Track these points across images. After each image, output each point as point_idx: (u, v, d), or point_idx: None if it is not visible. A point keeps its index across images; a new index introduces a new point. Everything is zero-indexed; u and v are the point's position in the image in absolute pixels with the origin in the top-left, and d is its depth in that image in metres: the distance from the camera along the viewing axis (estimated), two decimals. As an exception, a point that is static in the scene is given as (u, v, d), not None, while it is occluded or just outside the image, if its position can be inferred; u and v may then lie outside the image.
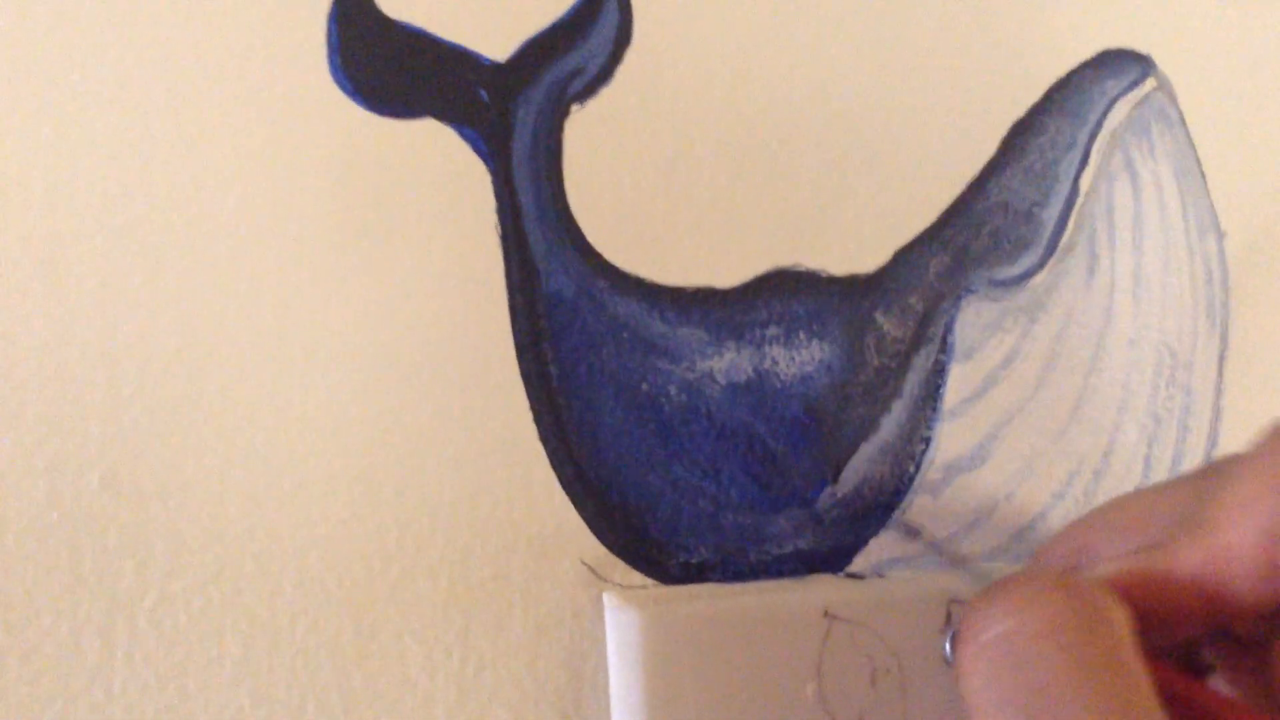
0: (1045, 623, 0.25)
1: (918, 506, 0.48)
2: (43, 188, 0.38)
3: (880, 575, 0.47)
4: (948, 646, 0.45)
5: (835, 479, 0.47)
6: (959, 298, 0.50)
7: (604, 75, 0.46)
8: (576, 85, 0.46)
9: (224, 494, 0.39)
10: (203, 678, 0.38)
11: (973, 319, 0.51)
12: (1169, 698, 0.26)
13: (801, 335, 0.47)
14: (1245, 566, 0.26)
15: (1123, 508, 0.31)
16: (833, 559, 0.47)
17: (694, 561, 0.45)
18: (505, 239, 0.44)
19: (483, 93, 0.44)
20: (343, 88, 0.42)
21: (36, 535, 0.37)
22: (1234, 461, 0.27)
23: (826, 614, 0.44)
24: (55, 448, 0.38)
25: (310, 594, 0.40)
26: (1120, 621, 0.26)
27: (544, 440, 0.43)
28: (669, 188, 0.47)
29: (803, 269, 0.48)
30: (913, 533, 0.47)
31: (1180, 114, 0.56)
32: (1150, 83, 0.56)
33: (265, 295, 0.40)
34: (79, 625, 0.37)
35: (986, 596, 0.27)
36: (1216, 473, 0.28)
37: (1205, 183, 0.57)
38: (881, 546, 0.48)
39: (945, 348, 0.50)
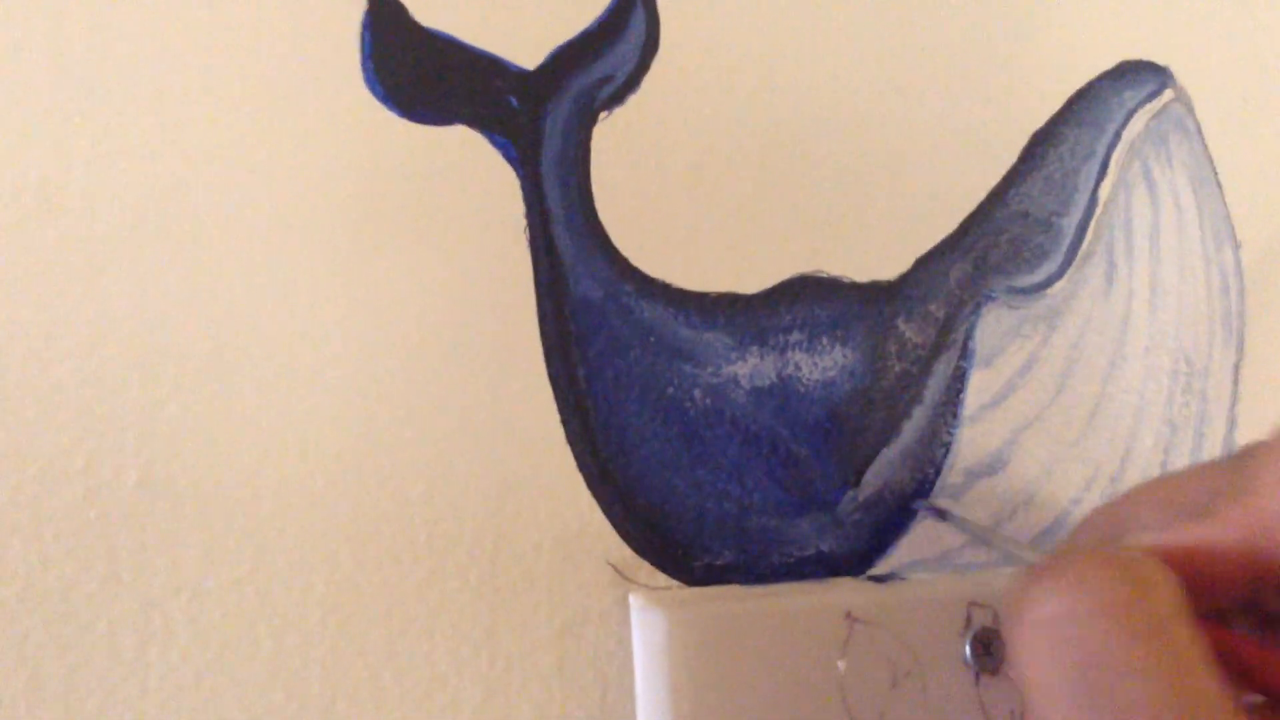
0: (1096, 597, 0.25)
1: (938, 511, 0.49)
2: (81, 191, 0.39)
3: (901, 578, 0.48)
4: (968, 649, 0.45)
5: (857, 483, 0.48)
6: (979, 305, 0.51)
7: (631, 83, 0.47)
8: (605, 93, 0.46)
9: (257, 493, 0.40)
10: (236, 673, 0.39)
11: (993, 326, 0.51)
12: (1223, 658, 0.26)
13: (824, 340, 0.48)
14: None
15: (1158, 486, 0.31)
16: (854, 562, 0.47)
17: (718, 563, 0.45)
18: (534, 244, 0.44)
19: (513, 100, 0.45)
20: (376, 94, 0.43)
21: (74, 532, 0.38)
22: (1267, 442, 0.27)
23: (848, 616, 0.45)
24: (92, 447, 0.38)
25: (341, 592, 0.40)
26: (1170, 589, 0.25)
27: (571, 442, 0.44)
28: (694, 194, 0.47)
29: (825, 275, 0.48)
30: (941, 514, 0.47)
31: (1198, 125, 0.57)
32: (1168, 94, 0.57)
33: (297, 298, 0.41)
34: (115, 621, 0.38)
35: (1034, 576, 0.27)
36: (1249, 453, 0.28)
37: (1222, 193, 0.57)
38: (903, 550, 0.48)
39: (966, 354, 0.50)
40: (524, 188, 0.45)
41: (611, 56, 0.47)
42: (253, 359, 0.40)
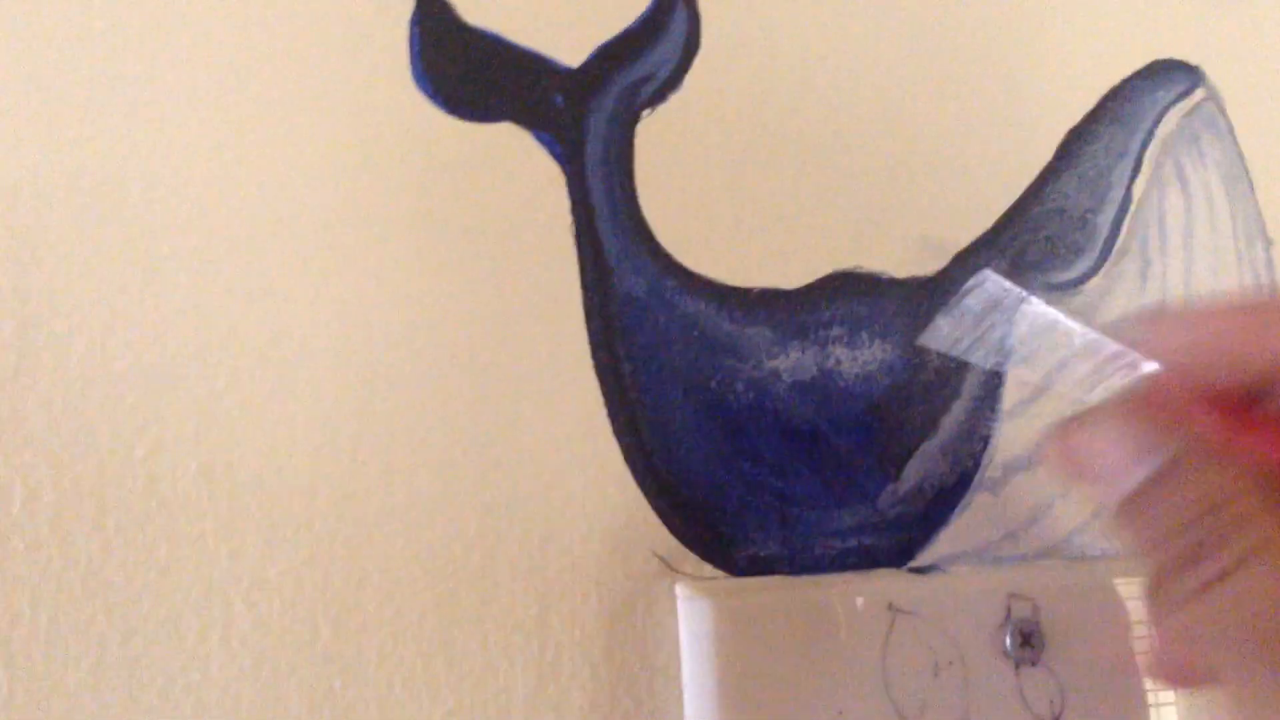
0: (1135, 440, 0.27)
1: (977, 504, 0.49)
2: (140, 188, 0.40)
3: (942, 570, 0.48)
4: (1008, 640, 0.46)
5: (897, 476, 0.48)
6: (1016, 300, 0.51)
7: (673, 81, 0.47)
8: (647, 91, 0.47)
9: (314, 483, 0.40)
10: (294, 659, 0.39)
11: (1030, 321, 0.52)
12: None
13: (864, 335, 0.49)
14: None
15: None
16: (896, 553, 0.48)
17: (762, 554, 0.46)
18: (580, 239, 0.45)
19: (557, 98, 0.46)
20: (424, 92, 0.44)
21: (136, 522, 0.38)
22: None
23: (890, 607, 0.45)
24: (154, 438, 0.39)
25: (396, 580, 0.41)
26: (1209, 423, 0.27)
27: (618, 435, 0.45)
28: (735, 191, 0.48)
29: (865, 271, 0.49)
30: (933, 246, 0.47)
31: (1229, 124, 0.58)
32: (1200, 93, 0.57)
33: (348, 292, 0.42)
34: (177, 609, 0.38)
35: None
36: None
37: (1253, 191, 0.58)
38: (943, 542, 0.49)
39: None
40: (569, 184, 0.45)
41: (653, 55, 0.47)
42: (309, 351, 0.41)
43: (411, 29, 0.44)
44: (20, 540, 0.37)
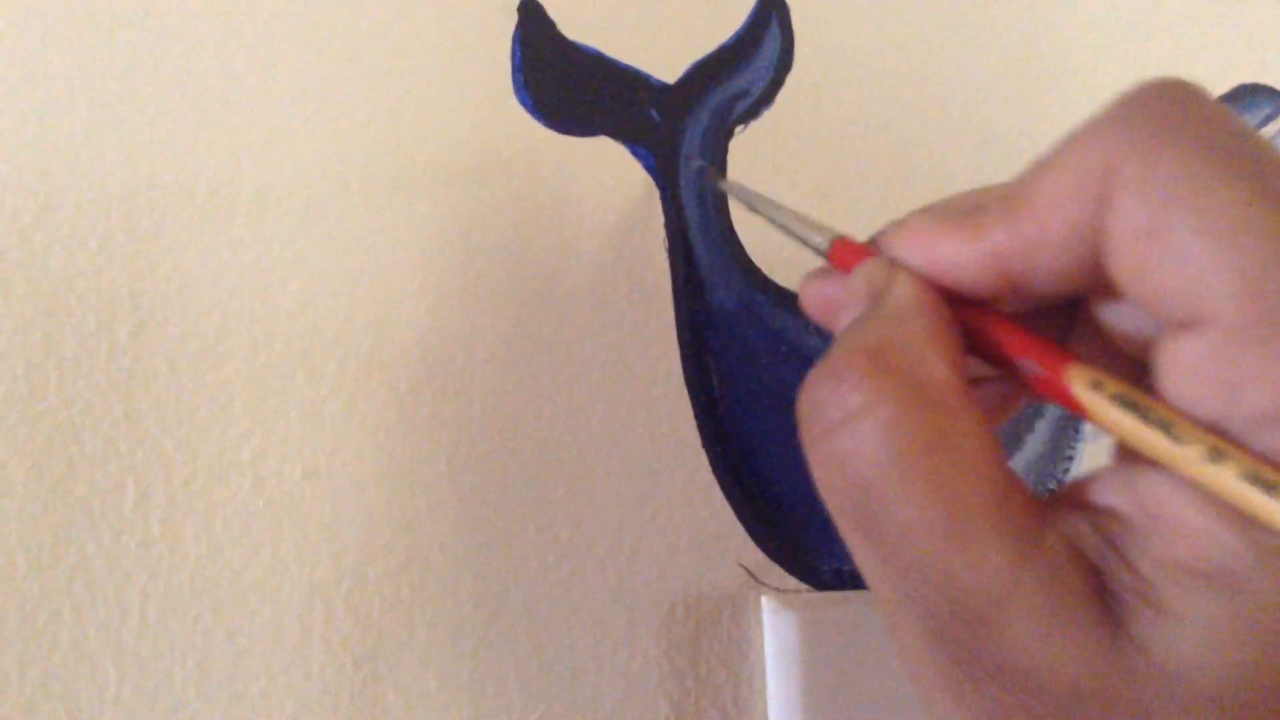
0: (861, 412, 0.23)
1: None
2: (252, 193, 0.41)
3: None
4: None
5: (979, 494, 0.48)
6: (1099, 321, 0.52)
7: (766, 98, 0.48)
8: (740, 107, 0.48)
9: (412, 488, 0.41)
10: (392, 661, 0.40)
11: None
12: (977, 338, 0.25)
13: (949, 353, 0.49)
14: (1052, 257, 0.25)
15: (942, 202, 0.27)
16: (977, 571, 0.48)
17: (846, 569, 0.46)
18: (672, 253, 0.46)
19: (653, 112, 0.46)
20: (525, 105, 0.44)
21: (242, 522, 0.39)
22: (1055, 153, 0.26)
23: (972, 624, 0.46)
24: (260, 440, 0.40)
25: (489, 586, 0.42)
26: (940, 375, 0.24)
27: (706, 446, 0.45)
28: (824, 206, 0.48)
29: (951, 289, 0.49)
30: (705, 173, 0.46)
31: (1314, 147, 0.57)
32: (1285, 116, 0.57)
33: (449, 300, 0.42)
34: (280, 608, 0.39)
35: (816, 377, 0.24)
36: (1039, 163, 0.26)
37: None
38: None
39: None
40: (663, 198, 0.46)
41: (747, 72, 0.48)
42: (410, 359, 0.42)
43: (514, 44, 0.45)
44: (131, 539, 0.38)
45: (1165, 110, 0.23)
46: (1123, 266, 0.23)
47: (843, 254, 0.30)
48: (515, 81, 0.44)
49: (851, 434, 0.23)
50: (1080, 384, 0.24)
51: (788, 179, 0.48)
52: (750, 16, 0.48)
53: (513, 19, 0.45)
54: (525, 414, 0.43)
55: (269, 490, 0.40)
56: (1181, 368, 0.22)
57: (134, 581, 0.38)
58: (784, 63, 0.48)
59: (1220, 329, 0.21)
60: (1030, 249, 0.25)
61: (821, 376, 0.24)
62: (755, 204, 0.36)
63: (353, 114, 0.42)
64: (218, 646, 0.39)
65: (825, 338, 0.47)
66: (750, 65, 0.48)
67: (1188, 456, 0.22)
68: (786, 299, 0.47)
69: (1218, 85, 0.56)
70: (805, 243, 0.32)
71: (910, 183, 0.50)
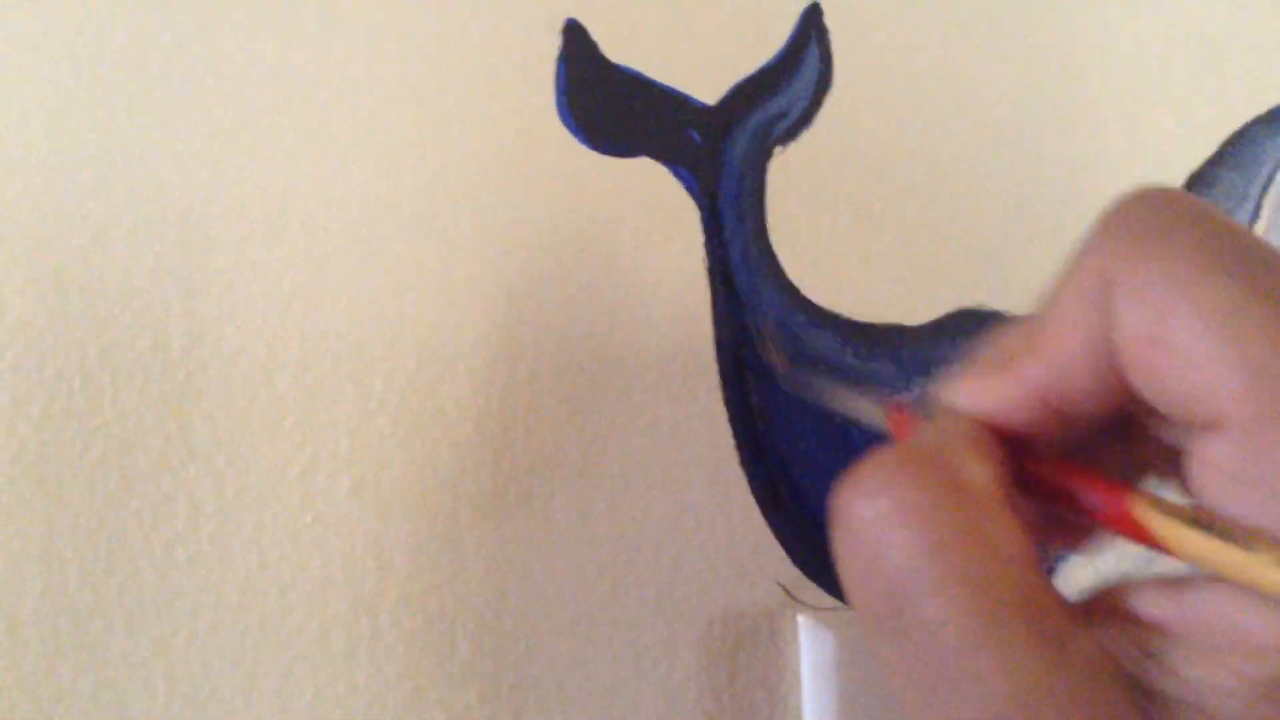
0: (897, 505, 0.23)
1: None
2: (303, 211, 0.41)
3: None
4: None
5: (1014, 513, 0.49)
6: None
7: (805, 119, 0.49)
8: (780, 128, 0.48)
9: (456, 505, 0.42)
10: (435, 675, 0.41)
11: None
12: (1054, 491, 0.25)
13: (985, 374, 0.49)
14: (1080, 378, 0.25)
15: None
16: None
17: (882, 587, 0.47)
18: (712, 272, 0.46)
19: (694, 134, 0.47)
20: (568, 127, 0.45)
21: (290, 536, 0.40)
22: (1060, 277, 0.26)
23: (1006, 643, 0.46)
24: (310, 456, 0.40)
25: (531, 602, 0.42)
26: (979, 479, 0.24)
27: (744, 465, 0.46)
28: (863, 228, 0.49)
29: (988, 309, 0.50)
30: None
31: (1350, 170, 0.58)
32: (1321, 139, 0.57)
33: (493, 319, 0.43)
34: (327, 622, 0.40)
35: (851, 475, 0.24)
36: (1049, 289, 0.26)
37: (1371, 237, 0.58)
38: (1065, 582, 0.49)
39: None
40: (703, 218, 0.46)
41: (787, 93, 0.48)
42: (456, 374, 0.42)
43: (558, 66, 0.45)
44: (183, 551, 0.39)
45: (1152, 217, 0.24)
46: (1138, 374, 0.23)
47: (898, 422, 0.30)
48: (559, 103, 0.45)
49: (885, 524, 0.23)
50: (1141, 508, 0.24)
51: (826, 200, 0.48)
52: (790, 38, 0.49)
53: (557, 42, 0.45)
54: (567, 431, 0.44)
55: (317, 505, 0.40)
56: (1210, 470, 0.22)
57: (185, 594, 0.39)
58: (823, 84, 0.49)
59: (1238, 427, 0.21)
60: (1060, 375, 0.25)
61: (859, 469, 0.24)
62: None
63: (401, 137, 0.43)
64: (265, 659, 0.39)
65: (862, 358, 0.48)
66: (790, 86, 0.48)
67: (1263, 564, 0.21)
68: (824, 318, 0.47)
69: (1254, 106, 0.56)
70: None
71: (946, 203, 0.50)
